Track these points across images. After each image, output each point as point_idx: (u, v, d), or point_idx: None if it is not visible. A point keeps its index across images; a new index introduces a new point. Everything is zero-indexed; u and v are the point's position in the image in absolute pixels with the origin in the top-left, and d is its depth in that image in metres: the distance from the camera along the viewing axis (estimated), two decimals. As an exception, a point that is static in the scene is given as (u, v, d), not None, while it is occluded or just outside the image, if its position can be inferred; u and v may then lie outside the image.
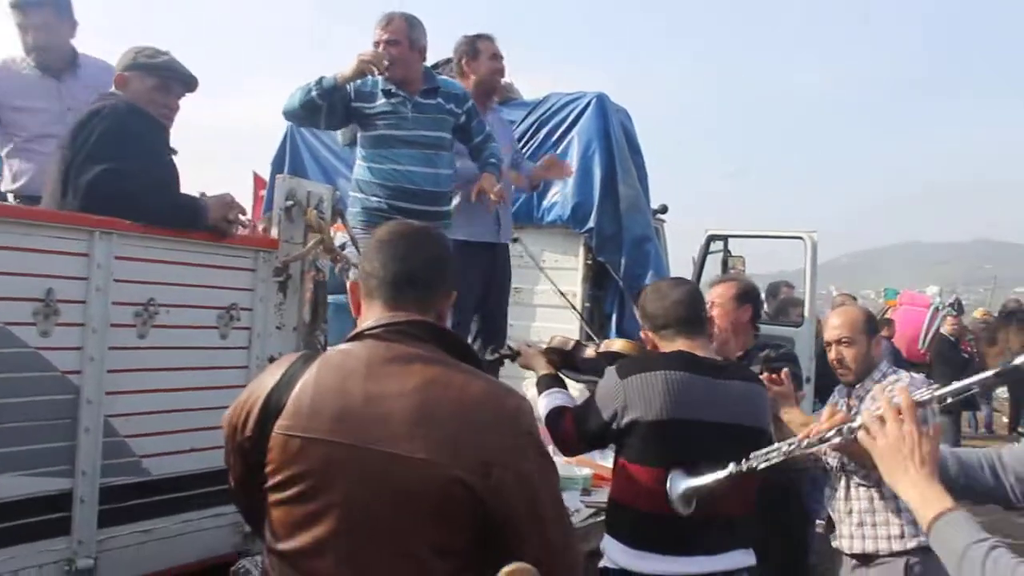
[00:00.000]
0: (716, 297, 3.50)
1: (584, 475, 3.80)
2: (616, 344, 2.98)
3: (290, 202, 3.01)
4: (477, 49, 4.51)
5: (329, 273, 3.19)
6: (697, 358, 2.57)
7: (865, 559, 3.10)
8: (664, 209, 6.67)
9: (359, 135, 3.97)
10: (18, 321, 2.36)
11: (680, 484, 2.37)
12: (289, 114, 3.92)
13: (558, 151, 5.31)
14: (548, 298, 5.40)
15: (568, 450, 2.76)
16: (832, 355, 3.25)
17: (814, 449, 2.01)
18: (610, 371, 2.57)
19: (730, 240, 7.12)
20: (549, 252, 5.53)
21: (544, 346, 3.05)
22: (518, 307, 5.38)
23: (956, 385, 1.74)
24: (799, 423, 3.06)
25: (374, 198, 3.83)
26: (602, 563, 2.53)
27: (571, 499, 3.40)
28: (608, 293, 5.20)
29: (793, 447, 2.07)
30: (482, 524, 1.53)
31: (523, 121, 5.47)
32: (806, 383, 5.24)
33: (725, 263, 7.04)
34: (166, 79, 2.99)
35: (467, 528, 1.53)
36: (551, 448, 2.55)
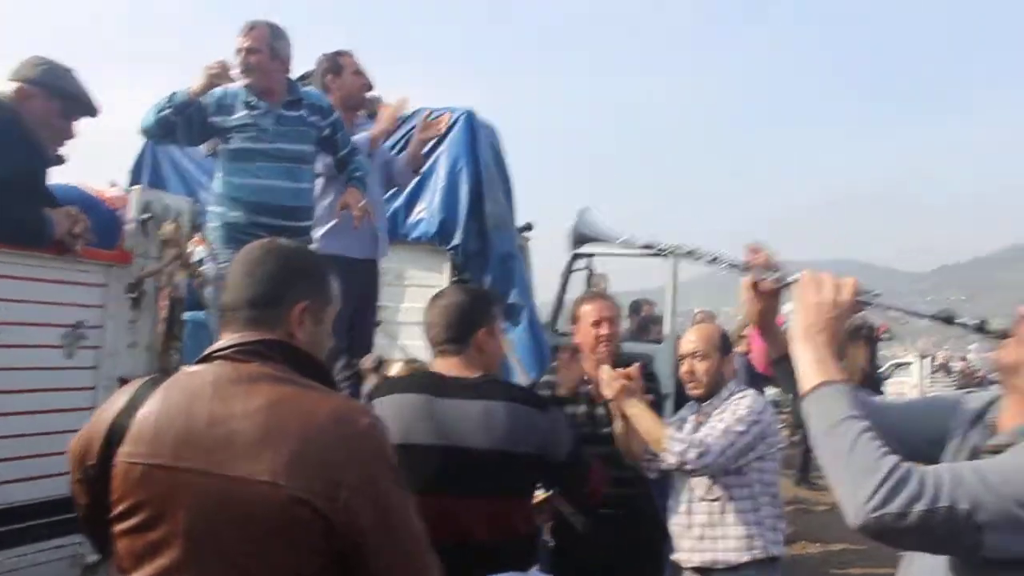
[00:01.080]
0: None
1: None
2: (392, 368, 2.98)
3: (146, 215, 2.87)
4: (339, 64, 4.44)
5: (187, 290, 3.07)
6: (439, 378, 2.53)
7: (704, 572, 3.18)
8: (529, 227, 6.74)
9: (219, 148, 3.83)
10: None
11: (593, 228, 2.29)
12: (146, 132, 3.75)
13: (425, 167, 5.27)
14: (413, 315, 5.34)
15: None
16: (684, 368, 3.33)
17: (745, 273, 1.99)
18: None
19: (595, 258, 7.25)
20: (414, 269, 5.48)
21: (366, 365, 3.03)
22: (384, 325, 5.31)
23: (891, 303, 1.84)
24: (645, 419, 3.13)
25: (233, 213, 3.70)
26: None
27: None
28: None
29: (730, 263, 2.03)
30: (335, 549, 1.48)
31: (391, 135, 5.41)
32: (666, 399, 5.36)
33: (589, 280, 7.16)
34: (71, 105, 2.83)
35: (318, 553, 1.48)
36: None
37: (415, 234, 5.32)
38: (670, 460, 3.05)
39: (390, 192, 5.21)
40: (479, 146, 5.25)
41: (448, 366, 2.55)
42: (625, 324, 7.12)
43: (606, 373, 3.18)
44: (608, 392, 3.18)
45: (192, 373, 1.61)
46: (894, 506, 1.42)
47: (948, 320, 1.74)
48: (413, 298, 5.48)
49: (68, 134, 2.90)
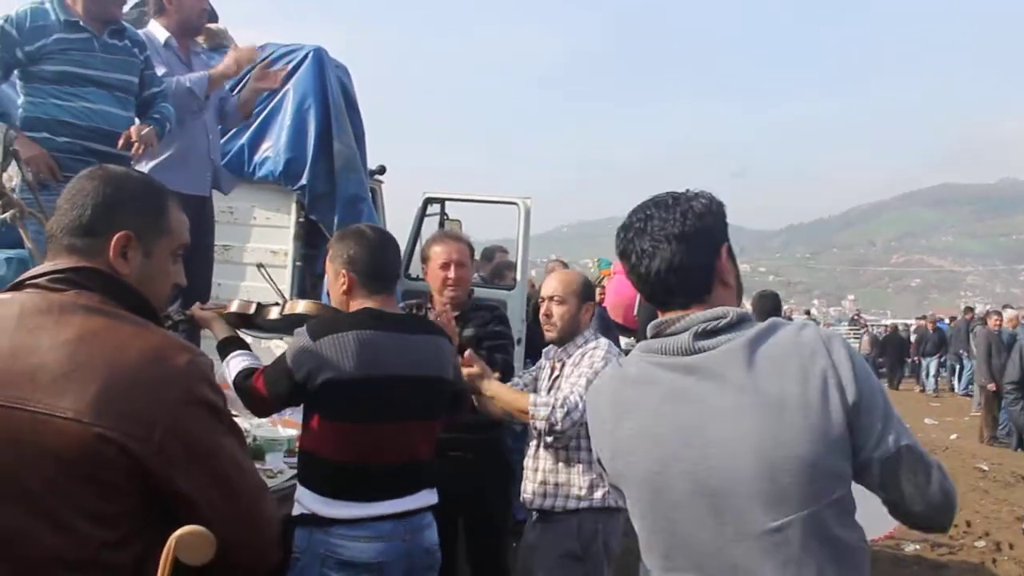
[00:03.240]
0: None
1: (289, 436, 3.75)
2: (300, 305, 2.99)
3: (-49, 141, 2.69)
4: None
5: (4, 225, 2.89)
6: (384, 314, 2.66)
7: (544, 515, 3.31)
8: (382, 170, 6.66)
9: (25, 70, 3.56)
10: None
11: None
12: None
13: (271, 104, 5.13)
14: (258, 256, 5.22)
15: (260, 411, 2.78)
16: (543, 310, 3.41)
17: None
18: (301, 333, 2.58)
19: (447, 204, 7.25)
20: (260, 209, 5.35)
21: (226, 311, 2.99)
22: (228, 265, 5.17)
23: None
24: (504, 394, 3.22)
25: (62, 138, 3.51)
26: (296, 511, 2.56)
27: (275, 460, 3.35)
28: (320, 252, 5.07)
29: None
30: (148, 490, 1.45)
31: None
32: (517, 344, 5.46)
33: (442, 226, 7.15)
34: None
35: (127, 494, 1.44)
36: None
37: (261, 173, 5.17)
38: (539, 426, 3.14)
39: (229, 133, 5.07)
40: (329, 85, 5.13)
41: (382, 302, 2.68)
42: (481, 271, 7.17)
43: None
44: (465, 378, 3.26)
45: None
46: None
47: None
48: (259, 238, 5.37)
49: None
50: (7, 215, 2.82)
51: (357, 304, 2.68)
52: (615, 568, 3.37)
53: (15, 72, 3.61)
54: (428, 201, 6.98)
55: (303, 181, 5.04)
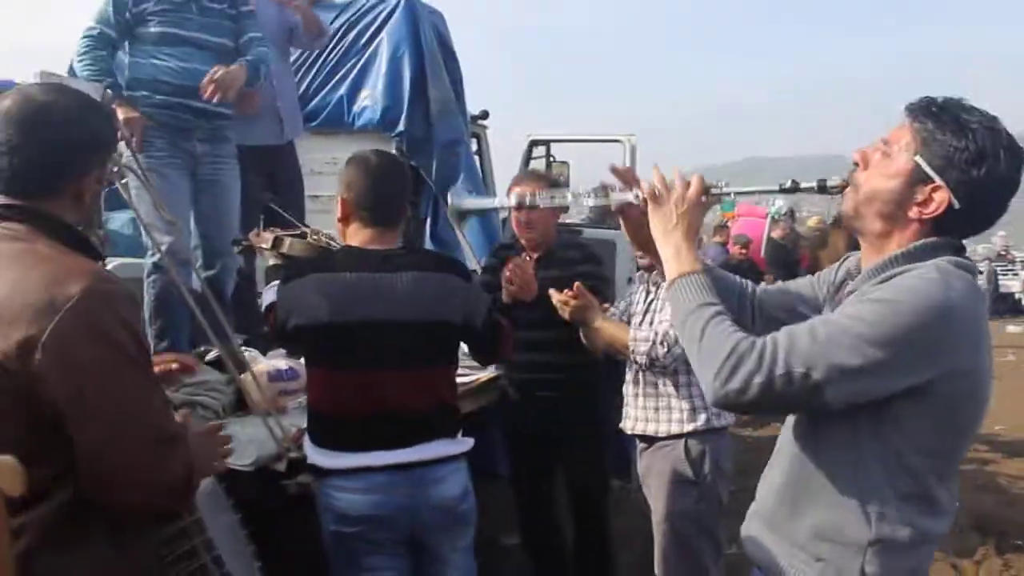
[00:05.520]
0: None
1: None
2: (295, 244, 2.99)
3: (51, 99, 2.85)
4: None
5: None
6: (362, 252, 2.52)
7: (649, 440, 3.30)
8: (485, 115, 6.68)
9: (133, 31, 3.72)
10: None
11: (459, 200, 2.33)
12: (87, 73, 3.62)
13: (367, 54, 5.22)
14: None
15: (279, 345, 2.86)
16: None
17: (603, 202, 2.01)
18: (277, 276, 2.59)
19: (553, 146, 7.20)
20: (365, 157, 5.46)
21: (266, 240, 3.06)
22: (332, 215, 5.32)
23: (745, 188, 1.94)
24: (607, 328, 3.23)
25: (160, 96, 3.67)
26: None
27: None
28: (422, 198, 5.18)
29: (583, 194, 2.07)
30: (36, 414, 1.47)
31: (332, 23, 5.32)
32: (628, 283, 5.42)
33: (549, 168, 7.12)
34: None
35: (16, 416, 1.46)
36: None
37: (360, 123, 5.27)
38: (640, 360, 3.15)
39: (332, 80, 5.19)
40: (421, 30, 5.15)
41: (376, 236, 2.53)
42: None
43: (554, 298, 3.23)
44: (565, 315, 3.23)
45: None
46: (735, 382, 1.51)
47: (794, 189, 1.80)
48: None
49: None
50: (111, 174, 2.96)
51: (351, 233, 2.57)
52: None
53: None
54: (533, 144, 6.96)
55: (400, 128, 5.10)
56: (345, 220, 2.59)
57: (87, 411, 1.48)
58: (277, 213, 4.06)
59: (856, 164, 1.68)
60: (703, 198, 1.77)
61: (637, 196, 1.84)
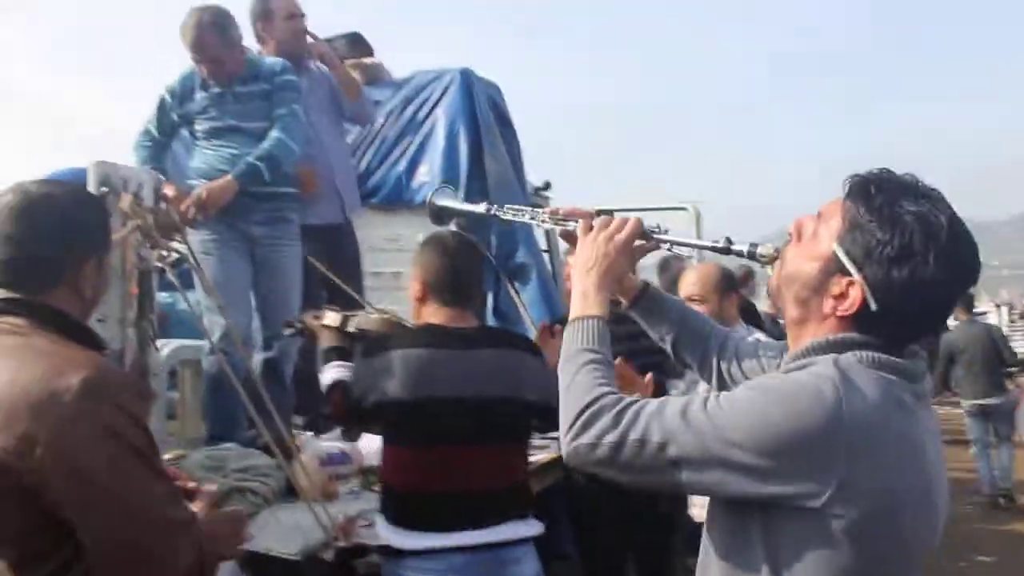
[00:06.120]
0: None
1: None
2: (371, 320, 2.93)
3: (104, 188, 2.89)
4: (270, 10, 4.28)
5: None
6: (443, 330, 2.53)
7: None
8: (548, 185, 6.65)
9: (188, 129, 3.88)
10: None
11: (440, 198, 2.26)
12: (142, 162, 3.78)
13: (424, 129, 5.25)
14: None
15: (342, 426, 2.78)
16: None
17: (551, 227, 1.95)
18: (358, 351, 2.56)
19: (618, 215, 7.12)
20: (423, 234, 5.43)
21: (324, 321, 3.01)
22: (400, 292, 5.30)
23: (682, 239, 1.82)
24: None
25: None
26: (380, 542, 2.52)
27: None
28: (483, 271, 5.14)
29: (537, 217, 2.00)
30: (38, 509, 1.43)
31: (391, 100, 5.41)
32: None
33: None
34: None
35: (17, 515, 1.44)
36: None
37: (419, 198, 5.24)
38: None
39: (391, 156, 5.23)
40: (477, 104, 5.18)
41: (453, 316, 2.56)
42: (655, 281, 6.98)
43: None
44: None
45: None
46: (587, 436, 1.38)
47: (725, 250, 1.69)
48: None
49: None
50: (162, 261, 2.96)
51: (427, 313, 2.59)
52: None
53: (182, 131, 3.95)
54: (599, 213, 6.88)
55: (459, 202, 5.07)
56: (422, 300, 2.61)
57: (89, 506, 1.46)
58: (336, 292, 4.04)
59: (790, 235, 1.51)
60: (637, 242, 1.69)
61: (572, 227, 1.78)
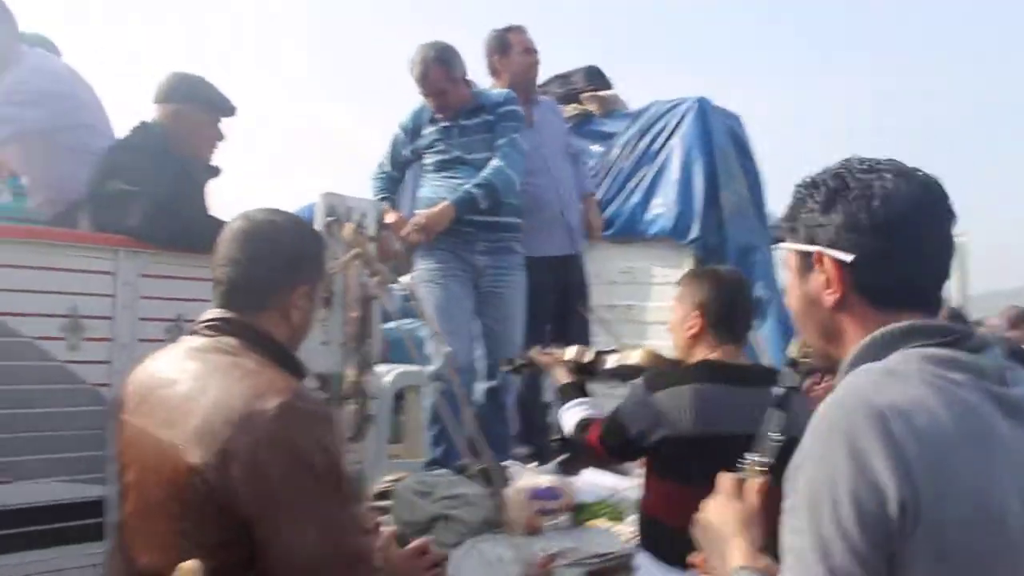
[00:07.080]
0: None
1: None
2: (635, 355, 2.83)
3: (330, 217, 3.05)
4: (508, 43, 4.36)
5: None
6: (727, 366, 2.44)
7: None
8: (795, 217, 6.29)
9: (419, 163, 4.06)
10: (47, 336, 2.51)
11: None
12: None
13: (659, 161, 5.15)
14: (660, 315, 5.20)
15: (597, 464, 2.69)
16: None
17: None
18: (637, 385, 2.46)
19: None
20: (658, 266, 5.33)
21: (564, 357, 2.93)
22: (633, 324, 5.22)
23: None
24: None
25: None
26: None
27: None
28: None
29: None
30: (233, 524, 1.47)
31: (626, 131, 5.36)
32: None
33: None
34: (215, 111, 3.10)
35: (213, 523, 1.47)
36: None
37: (653, 230, 5.17)
38: None
39: (625, 188, 5.18)
40: (713, 134, 5.02)
41: (729, 353, 2.50)
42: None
43: None
44: None
45: (176, 342, 1.74)
46: None
47: None
48: (657, 296, 5.34)
49: (219, 137, 3.13)
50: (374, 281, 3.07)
51: (701, 351, 2.49)
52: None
53: (414, 165, 4.16)
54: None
55: (694, 235, 4.94)
56: (697, 337, 2.53)
57: (275, 528, 1.50)
58: (566, 325, 4.03)
59: None
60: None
61: None
